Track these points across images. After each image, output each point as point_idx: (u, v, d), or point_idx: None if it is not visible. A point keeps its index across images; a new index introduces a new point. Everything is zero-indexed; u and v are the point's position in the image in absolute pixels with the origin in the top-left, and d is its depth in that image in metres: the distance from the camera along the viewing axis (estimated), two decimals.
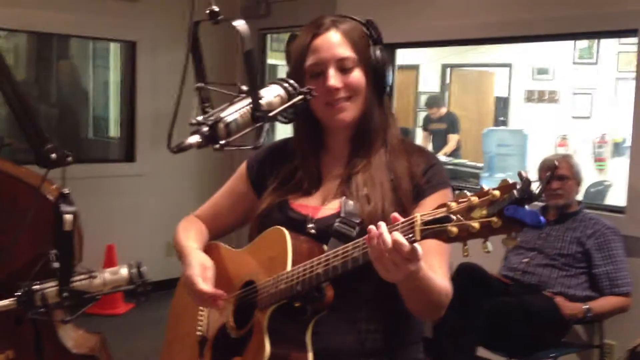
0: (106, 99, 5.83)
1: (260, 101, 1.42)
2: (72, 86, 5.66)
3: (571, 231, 3.31)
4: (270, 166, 1.60)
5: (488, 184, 5.27)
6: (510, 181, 1.05)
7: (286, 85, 1.51)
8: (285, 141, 1.64)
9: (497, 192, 1.04)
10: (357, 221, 1.38)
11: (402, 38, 4.38)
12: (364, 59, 1.45)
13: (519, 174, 1.05)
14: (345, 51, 1.44)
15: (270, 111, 1.45)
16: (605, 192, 6.13)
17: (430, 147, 7.36)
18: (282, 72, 6.61)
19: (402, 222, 1.16)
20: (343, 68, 1.45)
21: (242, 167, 1.65)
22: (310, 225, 1.44)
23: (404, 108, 7.98)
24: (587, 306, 3.12)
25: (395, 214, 1.20)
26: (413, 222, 1.14)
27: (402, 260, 1.15)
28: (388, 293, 1.32)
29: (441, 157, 6.53)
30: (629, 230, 3.34)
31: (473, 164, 5.86)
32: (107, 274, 1.51)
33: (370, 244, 1.18)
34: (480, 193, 1.07)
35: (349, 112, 1.46)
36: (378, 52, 1.46)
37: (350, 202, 1.42)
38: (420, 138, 7.52)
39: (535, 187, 1.05)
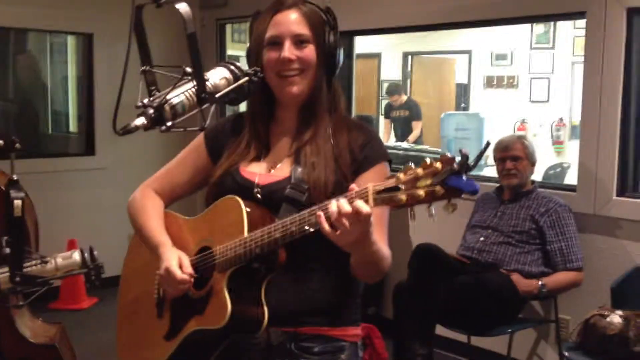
0: (65, 94, 5.76)
1: (206, 83, 1.45)
2: (30, 81, 5.59)
3: (525, 209, 3.39)
4: (227, 137, 1.68)
5: None
6: (450, 155, 1.20)
7: (232, 67, 1.54)
8: (241, 114, 1.72)
9: (438, 165, 1.19)
10: (306, 187, 1.50)
11: (361, 25, 4.43)
12: (319, 39, 1.56)
13: (459, 150, 1.19)
14: (302, 29, 1.55)
15: (216, 93, 1.48)
16: (564, 174, 6.27)
17: (392, 135, 7.45)
18: (244, 63, 6.60)
19: (357, 191, 1.30)
20: (298, 43, 1.55)
21: (199, 138, 1.72)
22: (256, 190, 1.54)
23: (366, 96, 8.05)
24: (542, 282, 3.21)
25: (352, 185, 1.33)
26: (366, 191, 1.28)
27: (357, 224, 1.29)
28: (334, 255, 1.43)
29: (405, 144, 6.61)
30: (580, 207, 3.44)
31: (434, 149, 5.94)
32: (59, 259, 1.54)
33: (330, 210, 1.30)
34: (425, 165, 1.21)
35: (299, 85, 1.56)
36: (332, 36, 1.57)
37: (299, 169, 1.53)
38: (382, 126, 7.59)
39: (471, 160, 1.20)
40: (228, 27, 5.84)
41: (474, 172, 5.31)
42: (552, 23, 7.12)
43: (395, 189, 1.24)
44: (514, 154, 3.47)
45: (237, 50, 6.66)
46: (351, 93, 4.79)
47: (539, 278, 3.24)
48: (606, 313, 2.86)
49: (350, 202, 1.29)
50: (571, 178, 5.67)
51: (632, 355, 2.75)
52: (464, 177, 1.18)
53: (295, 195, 1.49)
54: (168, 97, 1.41)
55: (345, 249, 1.38)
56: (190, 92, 1.44)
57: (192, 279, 1.52)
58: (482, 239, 3.44)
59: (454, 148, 5.50)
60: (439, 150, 5.80)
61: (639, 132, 3.43)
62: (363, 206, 1.27)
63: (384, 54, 8.67)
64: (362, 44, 5.12)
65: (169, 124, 1.39)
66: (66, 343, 2.36)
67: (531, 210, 3.37)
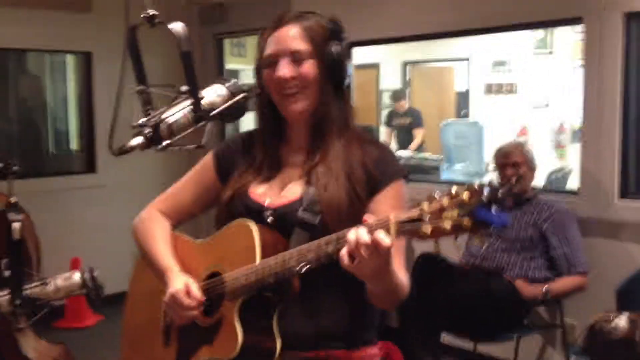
0: (65, 112, 5.79)
1: (201, 101, 1.46)
2: (31, 100, 5.61)
3: (528, 216, 3.39)
4: (236, 156, 1.62)
5: (447, 175, 5.39)
6: (478, 185, 1.13)
7: (229, 84, 1.54)
8: (252, 132, 1.67)
9: (466, 195, 1.12)
10: (319, 209, 1.44)
11: (359, 36, 4.43)
12: (320, 52, 1.49)
13: (489, 183, 1.14)
14: (300, 44, 1.49)
15: (212, 110, 1.48)
16: (566, 178, 6.25)
17: (393, 143, 7.45)
18: (244, 77, 6.62)
19: (378, 221, 1.23)
20: (296, 60, 1.49)
21: (208, 157, 1.67)
22: (267, 213, 1.49)
23: (366, 106, 8.06)
24: (546, 287, 3.20)
25: (366, 216, 1.26)
26: (387, 222, 1.21)
27: (376, 255, 1.22)
28: (349, 281, 1.35)
29: (407, 152, 6.61)
30: (583, 211, 3.43)
31: (435, 157, 5.95)
32: (59, 280, 1.54)
33: (348, 240, 1.23)
34: (451, 195, 1.14)
35: (300, 103, 1.50)
36: (336, 47, 1.50)
37: (311, 191, 1.46)
38: (383, 135, 7.59)
39: (501, 191, 1.14)
40: (227, 42, 5.87)
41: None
42: (550, 29, 7.13)
43: (419, 219, 1.17)
44: (513, 160, 3.47)
45: (237, 64, 6.68)
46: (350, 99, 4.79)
47: (544, 283, 3.23)
48: (611, 317, 2.84)
49: (370, 232, 1.22)
50: (574, 181, 5.66)
51: (638, 358, 2.73)
52: (494, 210, 1.11)
53: (308, 218, 1.43)
54: (164, 116, 1.41)
55: (363, 279, 1.32)
56: (187, 111, 1.44)
57: (201, 307, 1.47)
58: (485, 246, 3.43)
59: (455, 156, 5.51)
60: (439, 157, 5.80)
61: (639, 135, 3.44)
62: (383, 238, 1.20)
63: (382, 64, 8.68)
64: (361, 55, 5.12)
65: (165, 143, 1.40)
66: None
67: (534, 217, 3.36)
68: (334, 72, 1.51)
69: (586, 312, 3.19)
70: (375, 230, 1.21)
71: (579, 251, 3.27)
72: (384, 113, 8.17)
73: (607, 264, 3.38)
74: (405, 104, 7.66)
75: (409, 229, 1.18)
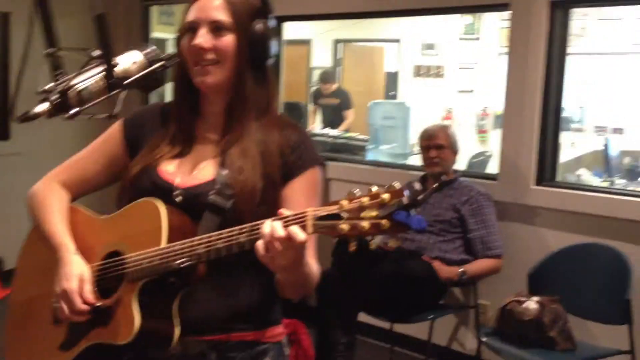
0: None
1: (115, 68, 1.39)
2: None
3: (448, 198, 3.45)
4: (147, 127, 1.53)
5: (373, 155, 5.42)
6: (399, 186, 1.12)
7: (147, 51, 1.47)
8: (164, 104, 1.58)
9: (386, 196, 1.11)
10: (231, 193, 1.37)
11: (290, 10, 4.37)
12: (242, 27, 1.41)
13: (410, 184, 1.13)
14: (222, 15, 1.41)
15: (126, 78, 1.42)
16: (486, 162, 6.42)
17: (318, 121, 7.46)
18: (171, 46, 6.45)
19: (294, 216, 1.20)
20: (216, 31, 1.41)
21: (115, 127, 1.56)
22: (175, 193, 1.41)
23: (295, 83, 8.00)
24: (463, 269, 3.28)
25: (282, 210, 1.23)
26: (304, 217, 1.18)
27: (290, 249, 1.20)
28: (254, 265, 1.30)
29: (334, 131, 6.62)
30: (501, 196, 3.52)
31: (362, 137, 5.98)
32: None
33: (263, 233, 1.20)
34: (371, 195, 1.13)
35: (213, 76, 1.41)
36: (260, 23, 1.43)
37: (224, 173, 1.40)
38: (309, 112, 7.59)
39: (420, 197, 1.14)
40: (155, 9, 5.68)
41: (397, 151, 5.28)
42: (479, 14, 7.25)
43: (337, 216, 1.15)
44: (437, 143, 3.51)
45: (164, 33, 6.49)
46: (279, 79, 4.75)
47: (460, 265, 3.31)
48: (522, 299, 2.94)
49: (286, 226, 1.19)
50: (494, 166, 5.82)
51: (547, 340, 2.84)
52: (413, 213, 1.12)
53: (220, 202, 1.37)
54: (73, 82, 1.34)
55: (274, 272, 1.29)
56: (98, 77, 1.37)
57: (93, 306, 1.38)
58: None
59: (382, 137, 5.55)
60: (366, 137, 5.84)
61: (557, 124, 3.54)
62: (298, 233, 1.18)
63: (314, 41, 8.64)
64: (292, 30, 5.07)
65: (73, 111, 1.33)
66: None
67: (453, 199, 3.42)
68: (255, 50, 1.43)
69: (499, 294, 3.28)
70: (291, 224, 1.19)
71: (495, 235, 3.35)
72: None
73: (521, 248, 3.49)
74: (332, 86, 7.63)
75: (326, 225, 1.16)
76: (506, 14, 3.68)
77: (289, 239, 1.18)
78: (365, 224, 1.12)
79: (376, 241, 1.16)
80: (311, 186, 1.46)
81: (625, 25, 6.72)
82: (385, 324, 3.69)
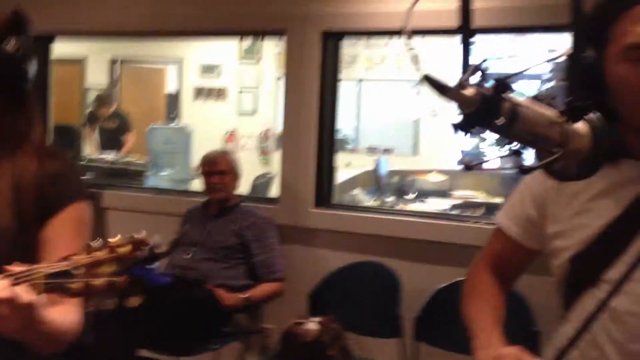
0: None
1: None
2: None
3: (231, 224, 3.42)
4: None
5: (154, 181, 5.25)
6: (141, 237, 1.05)
7: None
8: None
9: (125, 249, 1.03)
10: None
11: (60, 26, 4.08)
12: None
13: (153, 239, 1.05)
14: None
15: None
16: (269, 184, 6.53)
17: (95, 145, 7.06)
18: None
19: (23, 272, 1.05)
20: None
21: None
22: None
23: (68, 104, 7.50)
24: (247, 295, 3.26)
25: (9, 267, 1.06)
26: (33, 274, 1.04)
27: (17, 312, 1.04)
28: None
29: (110, 155, 6.30)
30: (282, 219, 3.57)
31: (140, 162, 5.77)
32: None
33: None
34: (110, 247, 1.03)
35: None
36: (12, 42, 1.26)
37: None
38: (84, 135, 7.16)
39: (161, 248, 1.06)
40: None
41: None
42: (258, 39, 7.41)
43: (69, 274, 1.03)
44: (219, 169, 3.48)
45: None
46: (47, 100, 4.40)
47: (244, 291, 3.28)
48: (303, 320, 2.98)
49: (15, 284, 1.03)
50: (276, 187, 5.93)
51: (327, 359, 2.90)
52: (157, 265, 1.05)
53: None
54: None
55: (5, 334, 1.11)
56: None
57: None
58: (188, 255, 3.38)
59: (162, 161, 5.40)
60: (147, 162, 5.64)
61: (332, 146, 3.68)
62: (22, 294, 1.02)
63: (88, 59, 8.19)
64: (63, 48, 4.73)
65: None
66: None
67: (236, 226, 3.40)
68: (5, 75, 1.28)
69: (284, 317, 3.30)
70: (19, 284, 1.04)
71: (277, 258, 3.38)
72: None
73: (302, 270, 3.56)
74: (109, 109, 7.23)
75: (55, 284, 1.03)
76: (282, 41, 3.76)
77: (11, 300, 1.02)
78: (99, 282, 1.02)
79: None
80: (75, 224, 1.32)
81: (391, 53, 7.29)
82: (170, 359, 3.53)
